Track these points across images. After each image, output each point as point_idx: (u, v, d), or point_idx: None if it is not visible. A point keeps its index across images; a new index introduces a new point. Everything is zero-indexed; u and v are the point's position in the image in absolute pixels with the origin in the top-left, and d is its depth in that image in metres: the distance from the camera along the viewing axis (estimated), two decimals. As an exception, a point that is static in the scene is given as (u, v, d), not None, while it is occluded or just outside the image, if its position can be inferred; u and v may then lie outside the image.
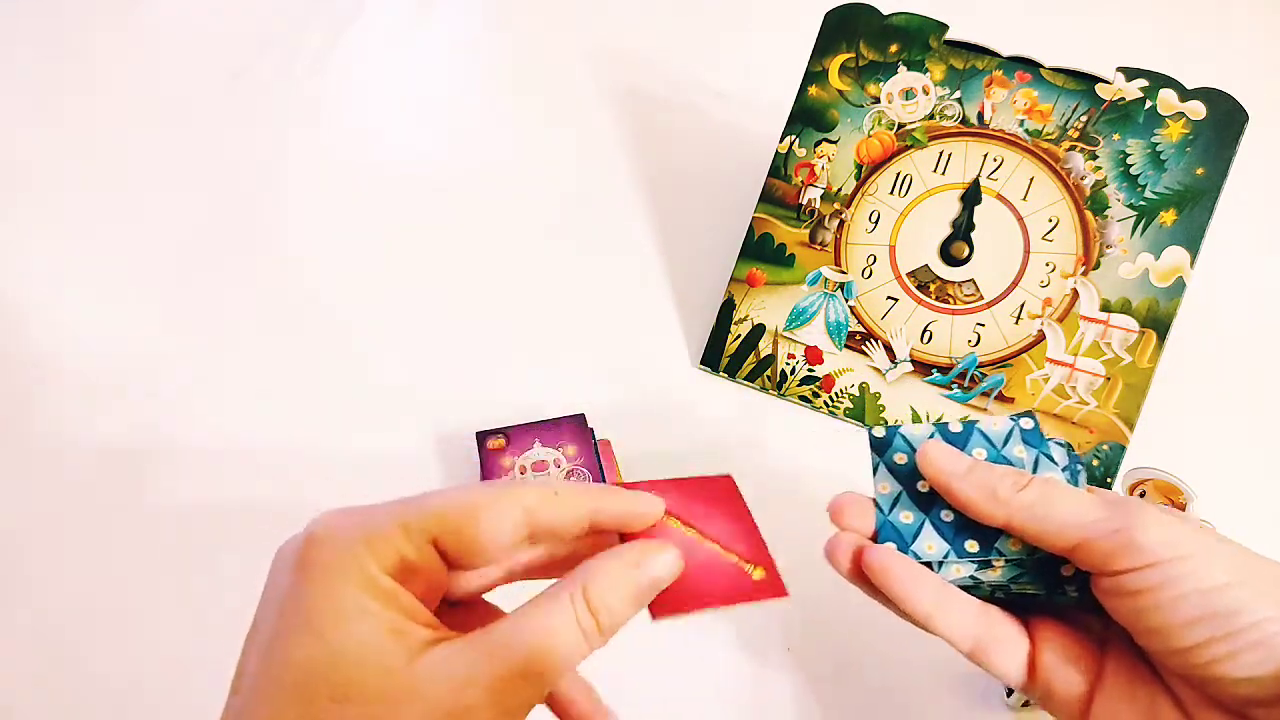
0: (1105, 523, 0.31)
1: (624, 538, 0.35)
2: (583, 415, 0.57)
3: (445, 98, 0.81)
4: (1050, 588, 0.35)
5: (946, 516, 0.36)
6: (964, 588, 0.35)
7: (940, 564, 0.35)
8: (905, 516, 0.36)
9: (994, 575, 0.35)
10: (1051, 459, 0.36)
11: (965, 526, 0.35)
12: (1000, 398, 0.57)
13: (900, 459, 0.37)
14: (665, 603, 0.39)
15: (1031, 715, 0.49)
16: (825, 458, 0.58)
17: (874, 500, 0.37)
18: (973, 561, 0.35)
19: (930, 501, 0.36)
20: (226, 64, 0.81)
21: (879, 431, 0.38)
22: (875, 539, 0.36)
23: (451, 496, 0.31)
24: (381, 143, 0.77)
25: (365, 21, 0.85)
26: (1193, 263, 0.55)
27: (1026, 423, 0.37)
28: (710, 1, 0.87)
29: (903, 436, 0.38)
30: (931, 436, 0.37)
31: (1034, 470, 0.36)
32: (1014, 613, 0.36)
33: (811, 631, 0.52)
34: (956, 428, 0.37)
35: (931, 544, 0.35)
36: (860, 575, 0.35)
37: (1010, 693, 0.48)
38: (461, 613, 0.33)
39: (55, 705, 0.49)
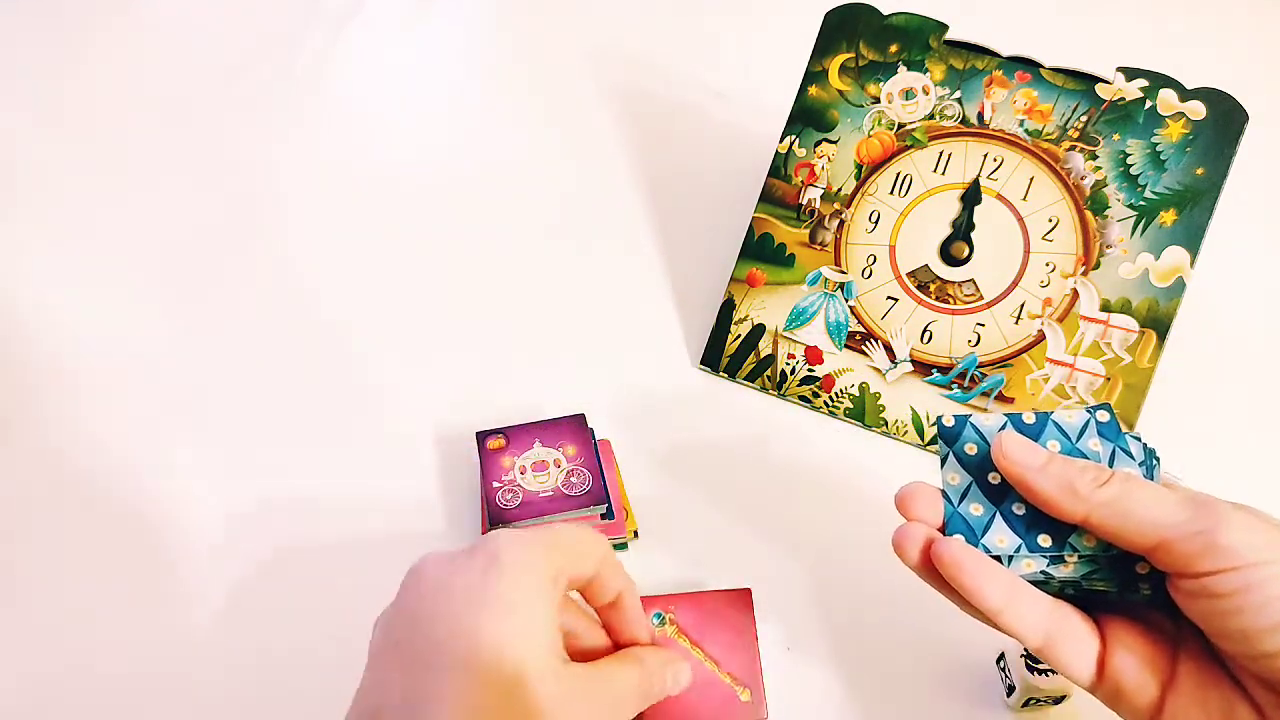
0: (1188, 524, 0.30)
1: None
2: (583, 415, 0.57)
3: (445, 97, 0.81)
4: (1123, 585, 0.34)
5: (1018, 510, 0.35)
6: (1034, 582, 0.35)
7: (1011, 558, 0.34)
8: (975, 509, 0.35)
9: (1066, 571, 0.34)
10: (1128, 453, 0.35)
11: (1038, 521, 0.34)
12: (1000, 398, 0.57)
13: (970, 449, 0.36)
14: (657, 715, 0.46)
15: (1032, 715, 0.49)
16: (825, 458, 0.58)
17: (942, 491, 0.36)
18: (1045, 556, 0.34)
19: (1002, 494, 0.35)
20: (225, 63, 0.81)
21: (949, 421, 0.37)
22: (944, 531, 0.35)
23: (566, 529, 0.39)
24: (381, 142, 0.77)
25: (365, 21, 0.85)
26: (1193, 263, 0.55)
27: (1103, 415, 0.36)
28: (710, 1, 0.87)
29: (973, 426, 0.37)
30: (1004, 427, 0.36)
31: (1110, 464, 0.35)
32: (1084, 610, 0.35)
33: (811, 631, 0.52)
34: (1030, 418, 0.36)
35: (1003, 538, 0.35)
36: (929, 568, 0.34)
37: (1010, 692, 0.48)
38: None
39: (50, 706, 0.49)
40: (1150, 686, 0.32)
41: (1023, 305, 0.58)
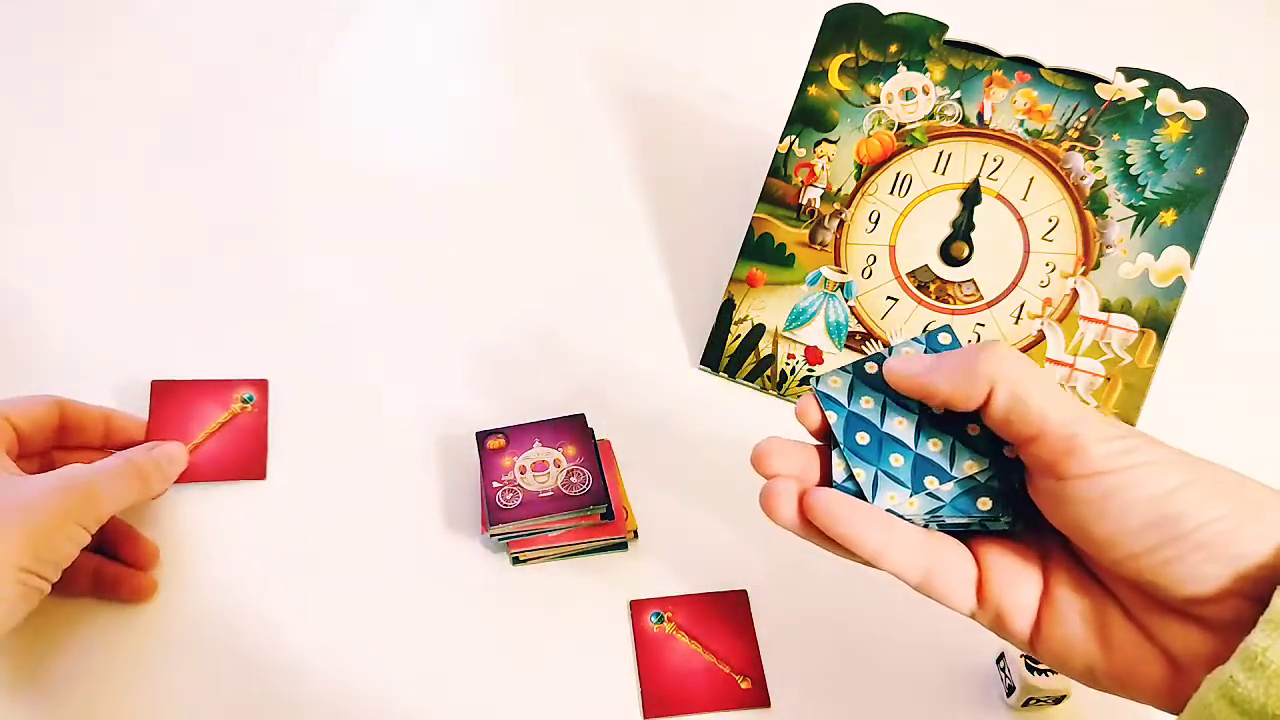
0: (1067, 425, 0.31)
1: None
2: (583, 415, 0.57)
3: (444, 98, 0.81)
4: (973, 518, 0.34)
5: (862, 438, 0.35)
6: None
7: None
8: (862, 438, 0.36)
9: (911, 509, 0.34)
10: None
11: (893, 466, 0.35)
12: (1000, 398, 0.57)
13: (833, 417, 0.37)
14: (660, 705, 0.49)
15: (1032, 715, 0.49)
16: (825, 458, 0.58)
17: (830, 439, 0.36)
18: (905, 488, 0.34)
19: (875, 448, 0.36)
20: (225, 63, 0.81)
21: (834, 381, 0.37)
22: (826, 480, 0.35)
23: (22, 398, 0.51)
24: (380, 143, 0.77)
25: (365, 21, 0.85)
26: (1193, 263, 0.55)
27: (944, 338, 0.36)
28: (710, 2, 0.87)
29: (823, 394, 0.37)
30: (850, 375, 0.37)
31: None
32: (959, 539, 0.35)
33: (811, 632, 0.52)
34: (873, 368, 0.37)
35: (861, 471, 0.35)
36: (807, 525, 0.35)
37: (1010, 692, 0.48)
38: None
39: (40, 703, 0.49)
40: (1029, 603, 0.33)
41: (1023, 305, 0.58)
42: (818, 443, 0.37)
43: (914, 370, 0.35)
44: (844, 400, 0.37)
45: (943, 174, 0.59)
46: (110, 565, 0.51)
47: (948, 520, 0.35)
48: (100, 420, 0.54)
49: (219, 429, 0.58)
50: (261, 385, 0.60)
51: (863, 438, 0.36)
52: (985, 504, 0.34)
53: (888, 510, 0.35)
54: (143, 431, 0.56)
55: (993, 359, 0.32)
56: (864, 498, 0.35)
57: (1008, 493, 0.34)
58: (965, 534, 0.35)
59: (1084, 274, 0.57)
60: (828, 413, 0.37)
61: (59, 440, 0.52)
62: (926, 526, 0.35)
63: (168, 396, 0.59)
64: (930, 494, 0.34)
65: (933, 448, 0.35)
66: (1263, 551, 0.29)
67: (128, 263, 0.68)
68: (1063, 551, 0.34)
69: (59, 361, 0.63)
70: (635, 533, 0.54)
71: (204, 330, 0.65)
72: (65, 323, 0.65)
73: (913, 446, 0.35)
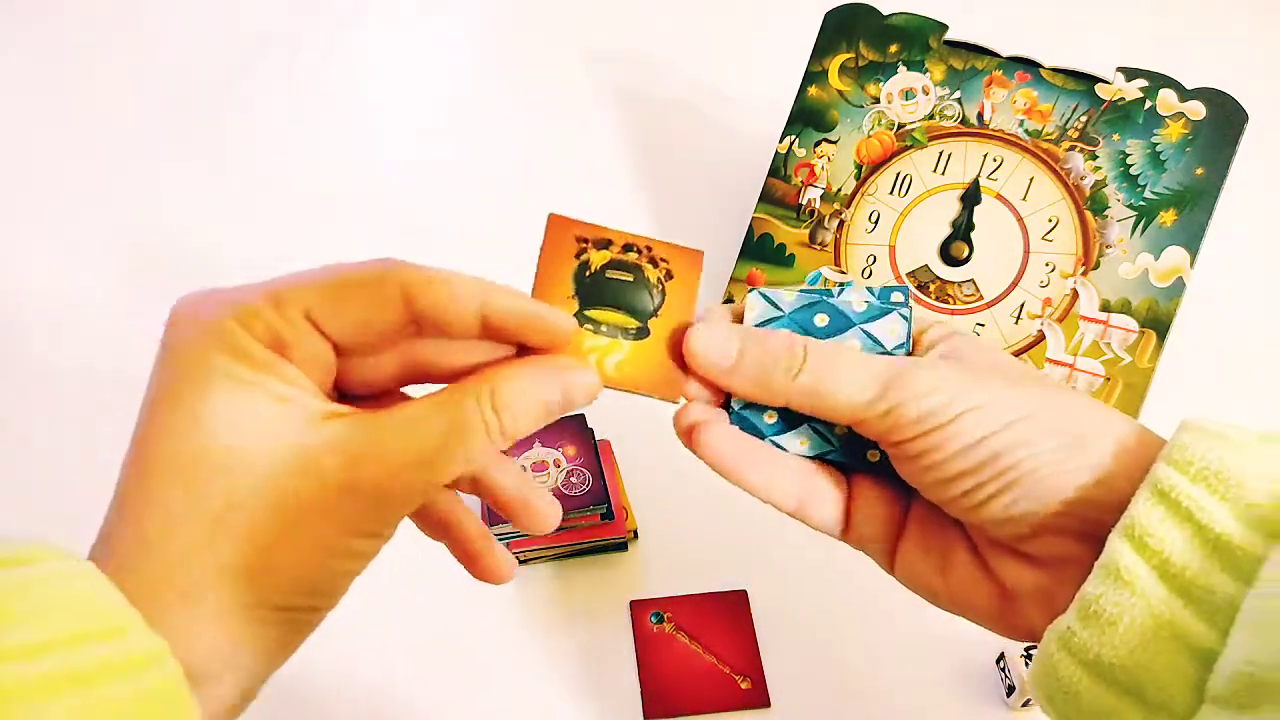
0: (876, 403, 0.31)
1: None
2: (583, 415, 0.57)
3: (445, 98, 0.81)
4: (858, 462, 0.35)
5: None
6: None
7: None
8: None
9: (803, 448, 0.36)
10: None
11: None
12: (1000, 398, 0.57)
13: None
14: (661, 705, 0.49)
15: (1031, 715, 0.49)
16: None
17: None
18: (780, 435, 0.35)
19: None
20: (225, 63, 0.81)
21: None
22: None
23: (325, 270, 0.30)
24: (381, 142, 0.77)
25: (365, 21, 0.85)
26: (1192, 263, 0.55)
27: (896, 296, 0.36)
28: (710, 1, 0.87)
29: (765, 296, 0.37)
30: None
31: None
32: (841, 470, 0.36)
33: (811, 632, 0.52)
34: (824, 321, 0.36)
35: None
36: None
37: (1010, 692, 0.48)
38: (360, 405, 0.32)
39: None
40: (885, 534, 0.35)
41: (1022, 305, 0.58)
42: None
43: (716, 365, 0.35)
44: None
45: (943, 174, 0.59)
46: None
47: (831, 460, 0.36)
48: (473, 309, 0.31)
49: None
50: None
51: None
52: (874, 455, 0.35)
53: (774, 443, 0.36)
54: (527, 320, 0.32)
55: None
56: (760, 432, 0.36)
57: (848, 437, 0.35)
58: (846, 467, 0.36)
59: (1084, 274, 0.57)
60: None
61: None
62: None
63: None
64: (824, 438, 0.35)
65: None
66: (1076, 485, 0.29)
67: (126, 263, 0.68)
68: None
69: (56, 364, 0.62)
70: (635, 533, 0.54)
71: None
72: (59, 323, 0.65)
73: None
